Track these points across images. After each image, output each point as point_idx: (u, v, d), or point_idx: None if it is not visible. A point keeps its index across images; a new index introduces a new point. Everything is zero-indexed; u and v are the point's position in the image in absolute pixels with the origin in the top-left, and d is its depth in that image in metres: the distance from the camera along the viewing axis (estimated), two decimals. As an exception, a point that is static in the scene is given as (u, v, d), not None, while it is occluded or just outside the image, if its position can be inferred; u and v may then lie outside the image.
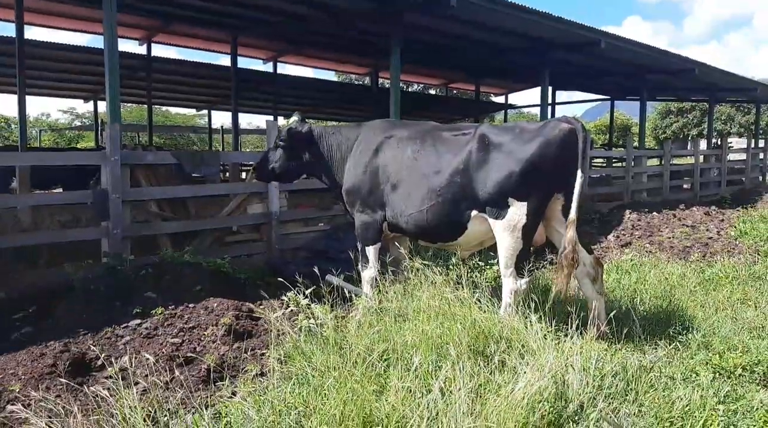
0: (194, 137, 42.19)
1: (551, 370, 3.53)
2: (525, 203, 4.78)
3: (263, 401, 3.34)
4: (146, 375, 4.33)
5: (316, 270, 5.03)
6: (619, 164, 19.35)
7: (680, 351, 4.77)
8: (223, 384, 4.05)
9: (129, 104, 39.50)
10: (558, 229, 5.07)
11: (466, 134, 5.17)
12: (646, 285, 6.37)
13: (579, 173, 4.78)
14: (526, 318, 4.33)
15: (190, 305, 5.41)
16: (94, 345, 4.73)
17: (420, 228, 5.24)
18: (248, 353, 4.62)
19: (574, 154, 4.90)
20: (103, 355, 4.56)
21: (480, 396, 3.43)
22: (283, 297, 5.00)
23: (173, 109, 43.11)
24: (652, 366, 4.13)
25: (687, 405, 3.70)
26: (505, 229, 4.84)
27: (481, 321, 4.17)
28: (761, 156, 22.96)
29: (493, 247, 5.48)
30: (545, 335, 4.13)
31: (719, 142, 20.37)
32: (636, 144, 17.88)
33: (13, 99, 13.73)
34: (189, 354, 4.52)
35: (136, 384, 4.17)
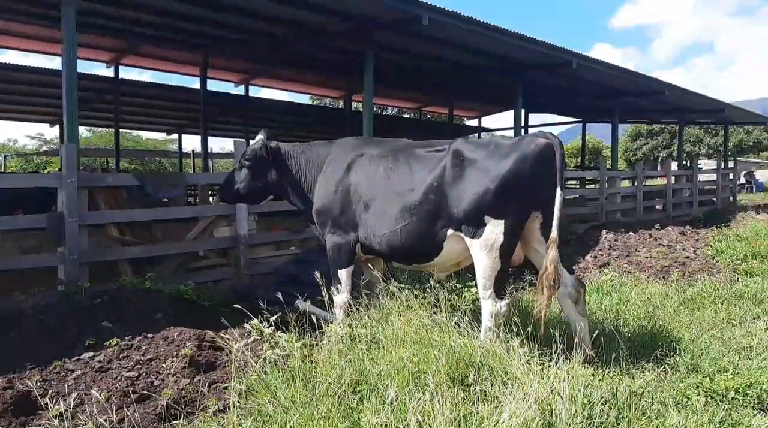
0: (165, 162, 41.57)
1: (537, 399, 3.26)
2: (502, 221, 4.55)
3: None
4: (98, 413, 3.96)
5: (283, 296, 4.71)
6: (592, 186, 19.44)
7: (669, 375, 4.54)
8: (179, 423, 3.68)
9: (99, 129, 38.92)
10: (537, 249, 4.85)
11: (440, 151, 4.95)
12: (628, 305, 6.16)
13: (558, 190, 4.58)
14: (508, 342, 4.07)
15: (149, 335, 5.03)
16: (42, 381, 4.34)
17: (394, 249, 4.98)
18: (210, 387, 4.26)
19: (551, 170, 4.69)
20: (50, 392, 4.18)
21: (461, 429, 3.15)
22: (247, 326, 4.65)
23: (144, 134, 42.50)
24: (642, 392, 3.89)
25: (682, 434, 3.46)
26: (482, 248, 4.60)
27: (461, 347, 3.89)
28: (731, 176, 23.28)
29: (470, 269, 5.25)
30: (529, 361, 3.87)
31: (689, 163, 20.59)
32: (609, 165, 17.95)
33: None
34: (144, 391, 4.14)
35: (86, 423, 3.81)
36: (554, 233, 4.54)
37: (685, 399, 4.13)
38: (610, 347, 4.69)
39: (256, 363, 3.77)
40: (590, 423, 3.39)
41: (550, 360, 3.99)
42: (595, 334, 4.62)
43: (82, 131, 41.94)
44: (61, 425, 3.67)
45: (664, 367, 4.63)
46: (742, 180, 33.63)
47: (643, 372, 4.50)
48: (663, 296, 6.57)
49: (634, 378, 4.18)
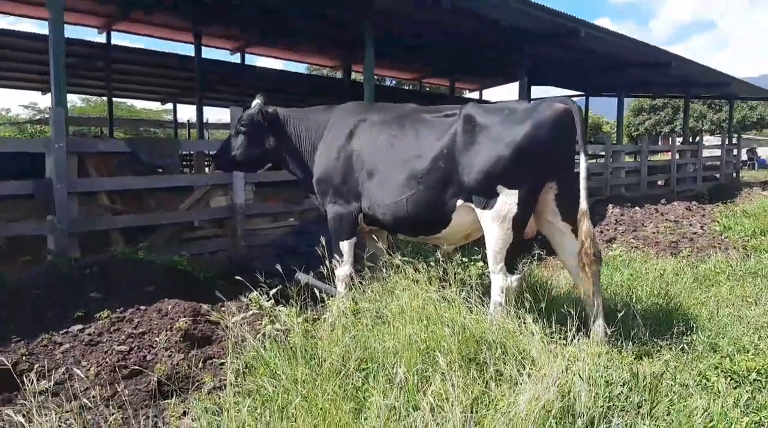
0: (161, 132, 40.93)
1: (556, 381, 3.04)
2: (515, 191, 4.29)
3: (217, 424, 2.77)
4: (85, 389, 3.74)
5: (282, 268, 4.47)
6: (594, 161, 19.13)
7: (687, 354, 4.33)
8: (171, 401, 3.45)
9: (94, 98, 38.25)
10: (550, 221, 4.60)
11: (449, 116, 4.66)
12: (640, 281, 5.94)
13: (582, 156, 4.33)
14: (521, 319, 3.84)
15: (141, 307, 4.79)
16: (28, 355, 4.11)
17: (399, 219, 4.71)
18: (205, 362, 4.04)
19: (569, 138, 4.44)
20: (35, 367, 3.94)
21: (475, 412, 2.93)
22: (244, 299, 4.41)
23: (139, 104, 41.84)
24: (662, 373, 3.68)
25: (707, 417, 3.25)
26: (494, 220, 4.34)
27: (472, 324, 3.66)
28: (734, 152, 23.00)
29: (477, 242, 5.00)
30: (543, 338, 3.65)
31: (695, 139, 20.30)
32: (614, 140, 17.65)
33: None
34: (135, 366, 3.91)
35: (71, 400, 3.59)
36: (584, 205, 4.31)
37: (704, 381, 3.93)
38: (625, 325, 4.47)
39: (256, 338, 3.53)
40: (611, 406, 3.18)
41: (565, 338, 3.78)
42: (611, 313, 4.41)
43: (77, 100, 41.29)
44: (45, 402, 3.45)
45: (682, 346, 4.42)
46: (744, 156, 33.34)
47: (660, 350, 4.29)
48: (675, 272, 6.34)
49: (653, 358, 3.96)
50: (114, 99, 23.46)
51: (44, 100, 37.84)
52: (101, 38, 16.76)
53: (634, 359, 3.87)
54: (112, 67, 17.19)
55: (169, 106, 26.62)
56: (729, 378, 4.04)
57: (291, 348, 3.44)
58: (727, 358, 4.21)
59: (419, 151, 4.61)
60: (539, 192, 4.43)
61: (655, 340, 4.45)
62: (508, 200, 4.29)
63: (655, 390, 3.46)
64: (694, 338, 4.62)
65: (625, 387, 3.40)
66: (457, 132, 4.46)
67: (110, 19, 15.52)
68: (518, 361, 3.39)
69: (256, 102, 5.41)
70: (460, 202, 4.49)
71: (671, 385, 3.60)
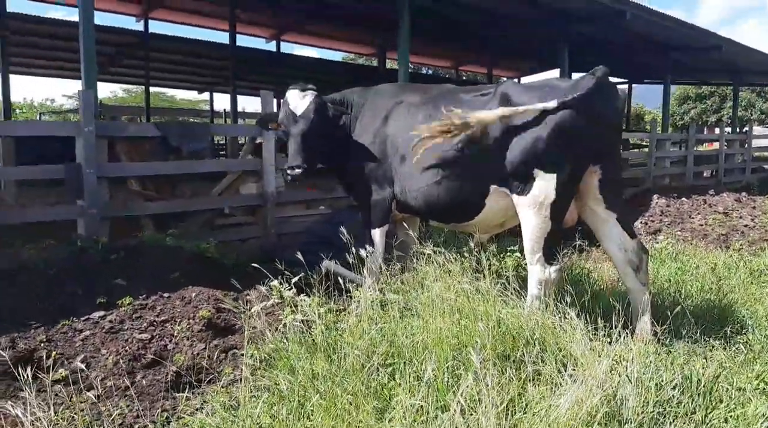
0: (199, 121, 41.39)
1: (602, 383, 2.76)
2: (554, 175, 3.97)
3: (232, 421, 2.58)
4: (102, 379, 3.62)
5: (312, 256, 4.28)
6: (636, 150, 18.48)
7: (743, 355, 3.98)
8: (189, 393, 3.29)
9: (135, 88, 38.82)
10: (593, 208, 4.27)
11: (485, 94, 4.37)
12: (689, 275, 5.57)
13: None
14: (562, 314, 3.55)
15: (165, 294, 4.66)
16: (47, 341, 4.01)
17: (430, 205, 4.46)
18: (227, 353, 3.88)
19: (613, 116, 4.11)
20: (54, 353, 3.84)
21: (510, 415, 2.68)
22: (265, 288, 4.23)
23: (178, 95, 42.37)
24: (718, 376, 3.35)
25: (769, 426, 2.94)
26: (531, 207, 4.05)
27: (508, 319, 3.40)
28: (786, 142, 21.95)
29: (513, 231, 4.72)
30: (586, 335, 3.36)
31: (744, 128, 19.44)
32: (659, 129, 16.97)
33: (14, 82, 12.95)
34: (155, 356, 3.77)
35: (89, 389, 3.47)
36: None
37: (764, 384, 3.59)
38: (675, 322, 4.14)
39: (276, 329, 3.34)
40: (661, 412, 2.89)
41: (610, 336, 3.49)
42: (655, 307, 4.09)
43: (118, 91, 42.00)
44: (63, 390, 3.34)
45: (738, 346, 4.07)
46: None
47: (712, 350, 3.95)
48: (728, 266, 5.94)
49: (707, 359, 3.63)
50: (153, 89, 23.72)
51: (86, 90, 38.50)
52: (139, 26, 16.90)
53: (686, 360, 3.54)
54: (150, 56, 17.30)
55: (207, 96, 26.78)
56: (791, 382, 3.70)
57: (312, 340, 3.24)
58: (788, 360, 3.86)
59: None
60: (581, 176, 4.11)
61: (708, 339, 4.11)
62: (545, 185, 3.99)
63: (709, 394, 3.16)
64: (750, 337, 4.27)
65: (677, 390, 3.10)
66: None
67: (147, 5, 15.59)
68: (558, 360, 3.12)
69: (309, 89, 4.86)
70: (494, 187, 4.21)
71: (727, 389, 3.29)
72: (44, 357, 3.78)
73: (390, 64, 21.32)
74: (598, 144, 4.08)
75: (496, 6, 11.62)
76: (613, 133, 4.23)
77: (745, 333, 4.33)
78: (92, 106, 6.11)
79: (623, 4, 11.14)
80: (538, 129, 3.96)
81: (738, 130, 22.45)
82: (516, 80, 26.68)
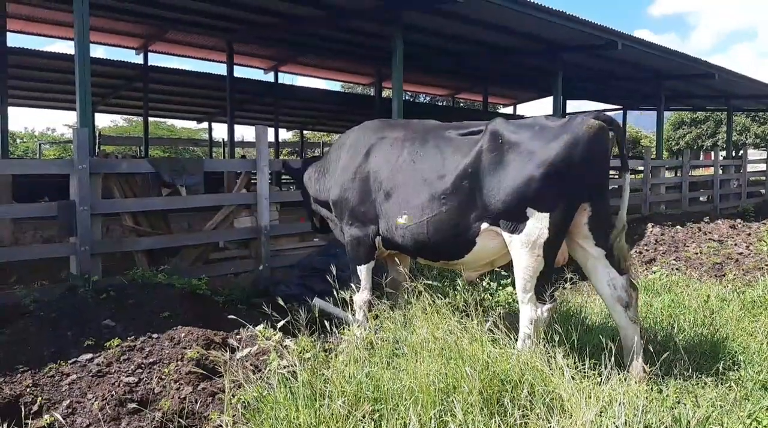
0: (199, 150, 41.56)
1: (588, 429, 2.74)
2: (547, 214, 3.98)
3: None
4: (87, 426, 3.58)
5: (304, 291, 4.26)
6: (632, 176, 18.53)
7: (734, 392, 3.95)
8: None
9: (135, 118, 39.08)
10: (582, 245, 4.28)
11: (475, 133, 4.40)
12: (682, 308, 5.54)
13: (627, 174, 4.32)
14: (550, 355, 3.53)
15: (154, 335, 4.62)
16: (33, 386, 3.97)
17: (419, 243, 4.46)
18: (214, 397, 3.84)
19: (603, 156, 4.15)
20: (39, 399, 3.81)
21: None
22: (249, 332, 4.21)
23: (178, 124, 42.61)
24: (708, 417, 3.33)
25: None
26: (524, 246, 4.05)
27: (495, 361, 3.37)
28: (781, 166, 22.00)
29: (506, 266, 4.72)
30: (574, 376, 3.34)
31: (738, 153, 19.53)
32: (653, 155, 17.06)
33: (15, 112, 13.09)
34: (141, 400, 3.73)
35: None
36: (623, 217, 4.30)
37: (756, 424, 3.57)
38: (667, 358, 4.11)
39: (261, 375, 3.31)
40: (650, 458, 2.86)
41: (599, 375, 3.46)
42: (647, 343, 4.07)
43: (119, 120, 42.28)
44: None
45: (729, 383, 4.03)
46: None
47: (703, 388, 3.92)
48: (721, 298, 5.92)
49: (697, 398, 3.60)
50: (153, 119, 23.88)
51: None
52: (138, 59, 17.10)
53: (676, 400, 3.51)
54: (149, 87, 17.48)
55: (206, 125, 26.98)
56: (784, 422, 3.66)
57: (300, 385, 3.21)
58: (781, 398, 3.83)
59: (442, 170, 4.36)
60: (573, 214, 4.12)
61: (700, 376, 4.09)
62: (538, 224, 4.00)
63: (700, 437, 3.13)
64: (742, 374, 4.24)
65: (666, 433, 3.07)
66: (483, 149, 4.20)
67: (147, 39, 15.81)
68: (546, 404, 3.09)
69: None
70: (485, 226, 4.21)
71: (718, 431, 3.26)
72: (30, 402, 3.76)
73: (387, 93, 21.52)
74: (588, 182, 4.11)
75: (490, 37, 11.79)
76: (603, 172, 4.25)
77: (737, 370, 4.30)
78: (86, 145, 6.14)
79: (614, 35, 11.30)
80: (532, 169, 3.99)
81: (733, 154, 22.53)
82: (512, 109, 26.90)
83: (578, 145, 3.94)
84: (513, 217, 4.06)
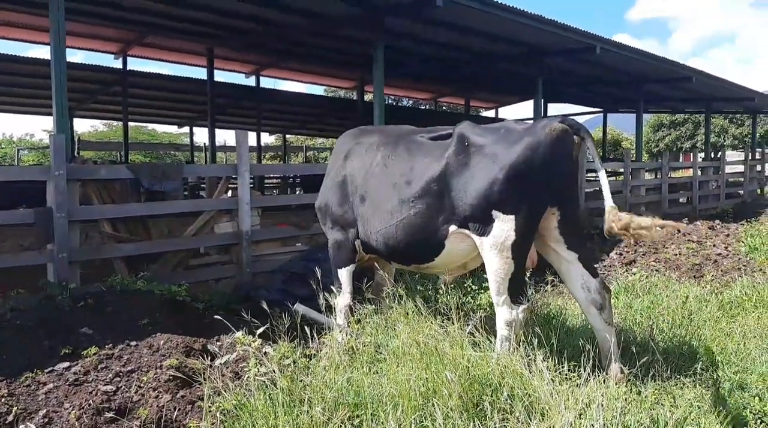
0: (180, 155, 41.26)
1: (566, 432, 2.75)
2: (512, 216, 3.98)
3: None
4: (64, 435, 3.53)
5: (286, 296, 4.25)
6: (613, 178, 18.73)
7: (712, 393, 3.99)
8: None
9: (116, 123, 38.69)
10: (554, 248, 4.29)
11: (444, 136, 4.43)
12: (661, 309, 5.60)
13: (602, 172, 4.24)
14: (529, 358, 3.55)
15: (133, 343, 4.57)
16: (8, 396, 3.90)
17: (390, 246, 4.46)
18: (193, 404, 3.81)
19: (568, 160, 4.15)
20: (15, 409, 3.75)
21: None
22: (230, 338, 4.18)
23: (159, 128, 42.25)
24: (685, 418, 3.36)
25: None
26: (492, 248, 4.06)
27: (475, 364, 3.38)
28: (758, 168, 22.39)
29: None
30: (554, 378, 3.36)
31: (717, 154, 19.82)
32: (633, 157, 17.26)
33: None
34: (119, 409, 3.69)
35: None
36: (609, 201, 4.12)
37: (733, 424, 3.61)
38: (645, 359, 4.15)
39: (241, 382, 3.29)
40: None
41: (579, 377, 3.49)
42: (626, 344, 4.10)
43: (99, 125, 41.81)
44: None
45: (706, 384, 4.08)
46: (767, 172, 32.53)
47: (682, 388, 3.96)
48: (699, 299, 5.99)
49: (675, 399, 3.64)
50: (133, 123, 23.67)
51: (66, 125, 38.21)
52: (117, 63, 16.96)
53: (655, 401, 3.55)
54: (128, 92, 17.33)
55: (188, 129, 26.82)
56: (759, 421, 3.72)
57: (279, 392, 3.19)
58: (756, 397, 3.89)
59: (411, 173, 4.37)
60: (540, 217, 4.13)
61: (678, 377, 4.13)
62: (504, 226, 4.01)
63: (678, 438, 3.16)
64: (720, 374, 4.28)
65: (644, 434, 3.10)
66: (450, 153, 4.22)
67: (125, 44, 15.68)
68: (526, 407, 3.11)
69: None
70: (453, 228, 4.21)
71: (695, 432, 3.29)
72: (5, 412, 3.70)
73: (369, 96, 21.55)
74: (554, 186, 4.11)
75: (471, 42, 11.86)
76: (569, 176, 4.26)
77: (714, 370, 4.35)
78: (63, 151, 6.07)
79: (593, 39, 11.43)
80: (496, 171, 4.01)
81: (712, 155, 22.86)
82: (494, 112, 27.05)
83: (539, 148, 3.96)
84: (480, 220, 4.07)
